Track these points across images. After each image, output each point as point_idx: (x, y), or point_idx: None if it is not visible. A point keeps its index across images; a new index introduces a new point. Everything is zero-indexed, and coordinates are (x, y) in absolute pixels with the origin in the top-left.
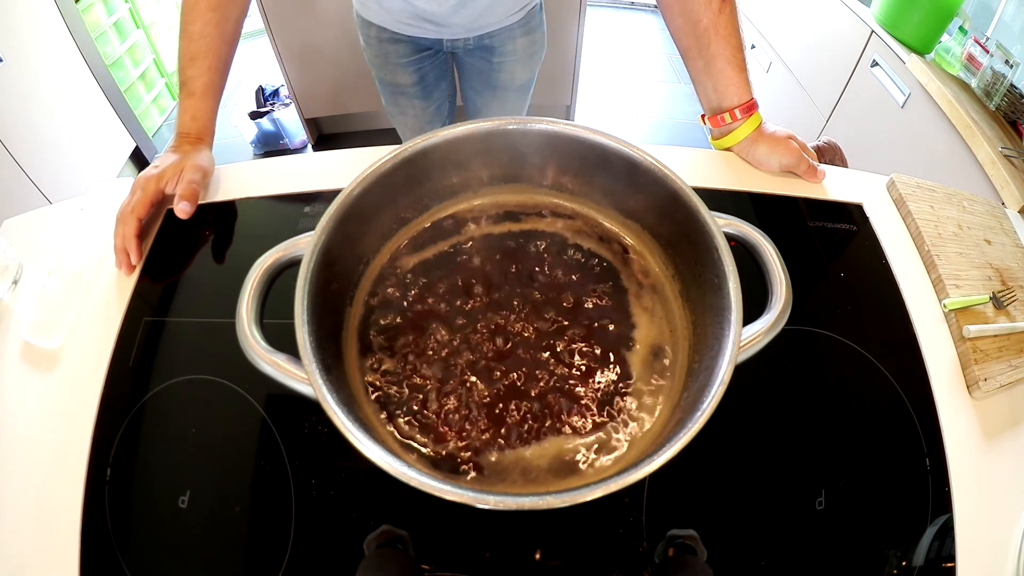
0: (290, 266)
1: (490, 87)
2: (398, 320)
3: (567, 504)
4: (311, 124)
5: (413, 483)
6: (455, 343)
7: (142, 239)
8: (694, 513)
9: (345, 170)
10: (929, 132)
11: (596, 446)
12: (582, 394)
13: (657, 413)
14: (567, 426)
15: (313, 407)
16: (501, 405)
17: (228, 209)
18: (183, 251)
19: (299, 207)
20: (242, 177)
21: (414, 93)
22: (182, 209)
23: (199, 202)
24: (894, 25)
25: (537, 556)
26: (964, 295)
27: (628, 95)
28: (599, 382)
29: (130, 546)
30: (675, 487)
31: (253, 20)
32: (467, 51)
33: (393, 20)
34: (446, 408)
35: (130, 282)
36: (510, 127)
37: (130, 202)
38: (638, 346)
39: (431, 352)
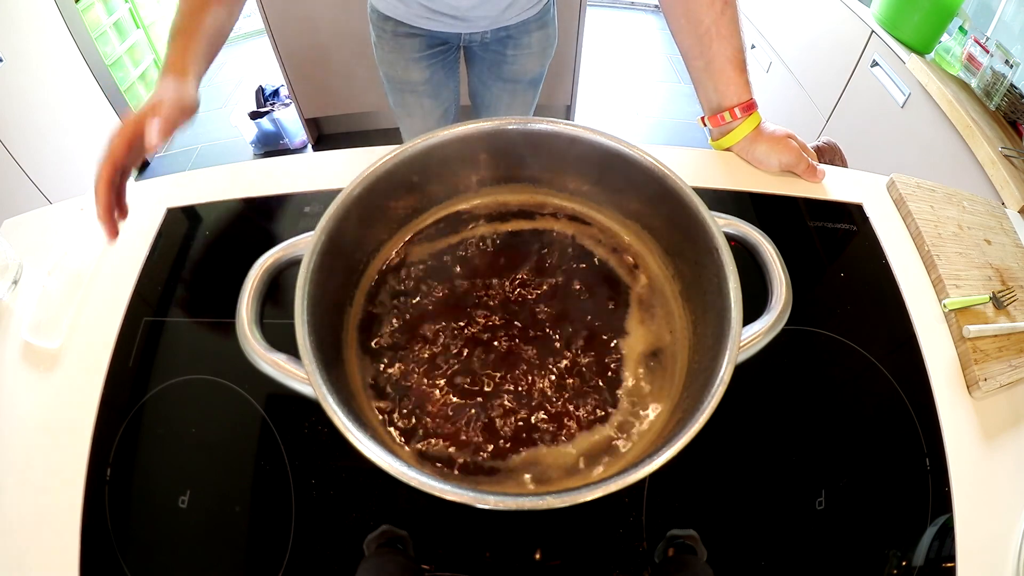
0: (290, 266)
1: (501, 80)
2: (399, 320)
3: (567, 504)
4: (311, 124)
5: (413, 483)
6: (456, 343)
7: (116, 186)
8: (694, 513)
9: (345, 170)
10: (929, 132)
11: (596, 446)
12: (583, 394)
13: (657, 413)
14: (568, 426)
15: (313, 407)
16: (502, 405)
17: (228, 209)
18: (183, 251)
19: (299, 207)
20: (242, 177)
21: (424, 91)
22: (148, 140)
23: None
24: (894, 25)
25: (537, 556)
26: (964, 295)
27: (628, 95)
28: (600, 382)
29: (130, 546)
30: (675, 487)
31: (253, 20)
32: (482, 45)
33: (412, 14)
34: (446, 408)
35: (130, 282)
36: (510, 127)
37: (106, 148)
38: (638, 346)
39: (431, 352)
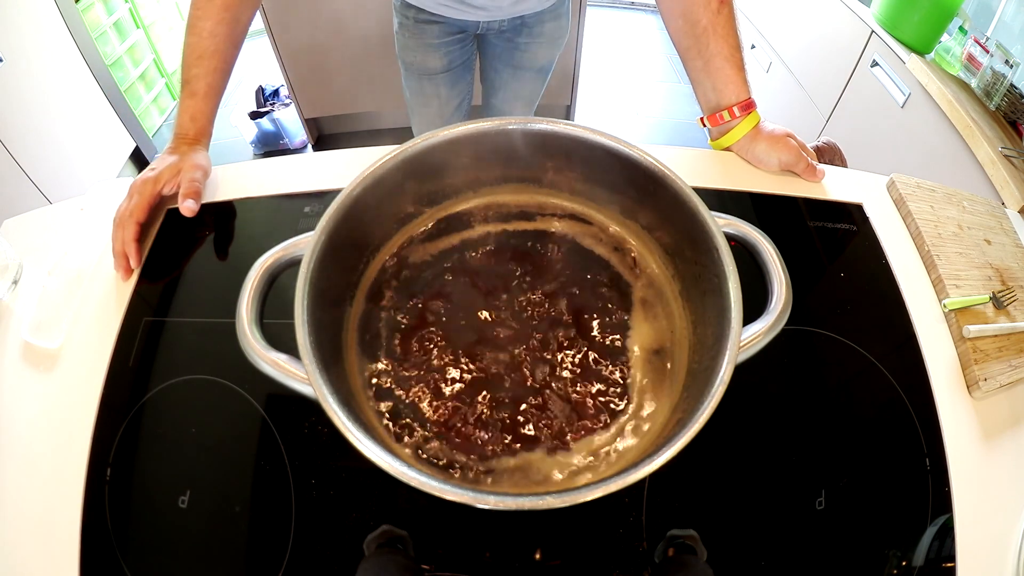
0: (290, 266)
1: (510, 66)
2: (399, 320)
3: (567, 504)
4: (311, 124)
5: (413, 483)
6: (455, 343)
7: (141, 243)
8: (694, 513)
9: (345, 170)
10: (929, 132)
11: (596, 446)
12: (583, 394)
13: (657, 413)
14: (568, 426)
15: (313, 407)
16: (502, 405)
17: (228, 209)
18: (183, 251)
19: (299, 207)
20: (242, 177)
21: (442, 80)
22: (187, 207)
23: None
24: (894, 25)
25: (537, 556)
26: (964, 295)
27: (628, 95)
28: (600, 383)
29: (130, 546)
30: (675, 487)
31: (253, 20)
32: (498, 33)
33: (434, 2)
34: (446, 409)
35: (130, 282)
36: (510, 127)
37: (128, 206)
38: (638, 346)
39: (432, 352)
